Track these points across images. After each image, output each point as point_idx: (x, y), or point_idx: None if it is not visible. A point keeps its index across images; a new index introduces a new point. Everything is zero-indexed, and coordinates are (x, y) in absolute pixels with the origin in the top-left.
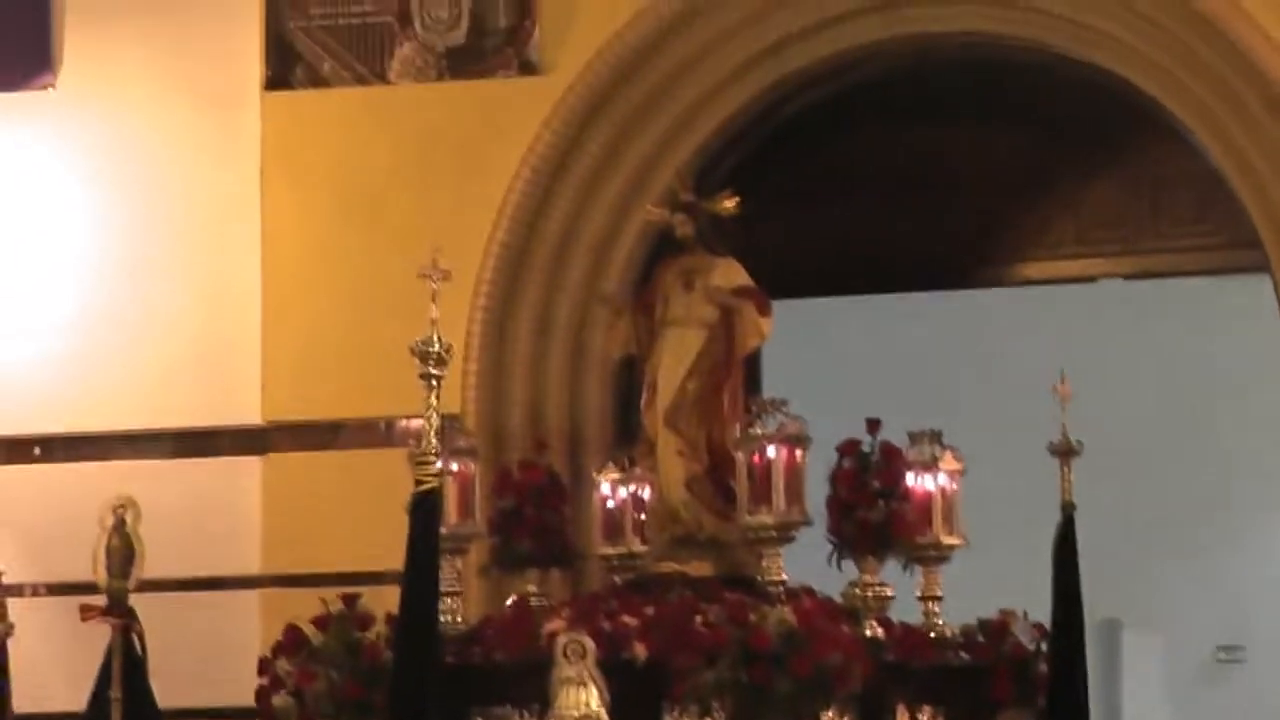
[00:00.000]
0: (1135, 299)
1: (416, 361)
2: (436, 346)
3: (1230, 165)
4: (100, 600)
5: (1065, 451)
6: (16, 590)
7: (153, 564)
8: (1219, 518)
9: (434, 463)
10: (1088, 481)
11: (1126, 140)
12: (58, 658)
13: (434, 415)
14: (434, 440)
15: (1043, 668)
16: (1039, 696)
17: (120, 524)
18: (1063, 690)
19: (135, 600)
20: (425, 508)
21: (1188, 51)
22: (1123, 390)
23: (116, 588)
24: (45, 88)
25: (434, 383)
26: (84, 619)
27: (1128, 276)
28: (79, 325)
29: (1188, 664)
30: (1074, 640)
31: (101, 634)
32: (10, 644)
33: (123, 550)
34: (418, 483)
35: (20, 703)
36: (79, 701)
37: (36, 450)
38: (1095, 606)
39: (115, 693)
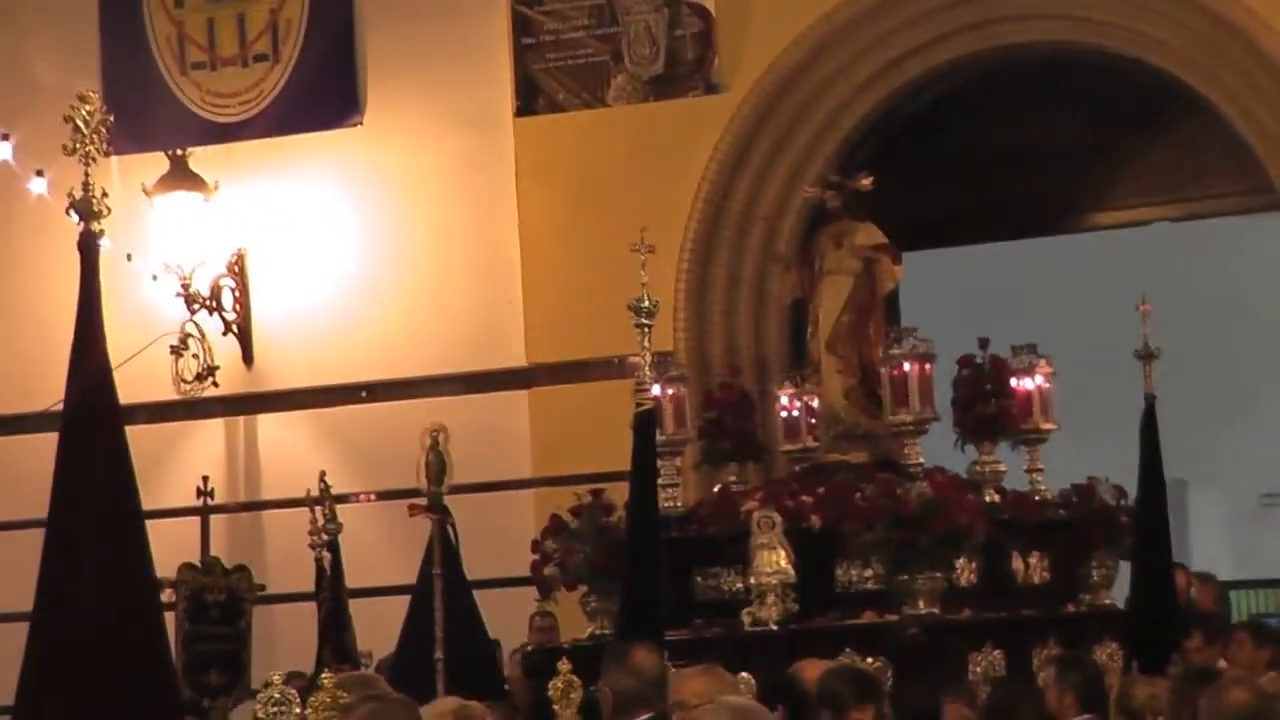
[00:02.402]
0: (1181, 236)
1: (631, 314)
2: (646, 303)
3: (1248, 129)
4: (421, 501)
5: (1147, 355)
6: (345, 498)
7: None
8: (1252, 403)
9: (649, 390)
10: (1160, 378)
11: (1168, 116)
12: (384, 547)
13: (647, 354)
14: (648, 373)
15: (1124, 519)
16: (1121, 540)
17: (435, 444)
18: (1149, 537)
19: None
20: (643, 423)
21: (1211, 44)
22: (1177, 306)
23: (434, 491)
24: (355, 124)
25: (645, 330)
26: (412, 515)
27: (1175, 219)
28: (391, 302)
29: (1239, 510)
30: (1157, 497)
31: (421, 527)
32: (340, 538)
33: (438, 464)
34: (638, 405)
35: (353, 580)
36: (401, 579)
37: (363, 394)
38: (1167, 470)
39: (437, 569)
